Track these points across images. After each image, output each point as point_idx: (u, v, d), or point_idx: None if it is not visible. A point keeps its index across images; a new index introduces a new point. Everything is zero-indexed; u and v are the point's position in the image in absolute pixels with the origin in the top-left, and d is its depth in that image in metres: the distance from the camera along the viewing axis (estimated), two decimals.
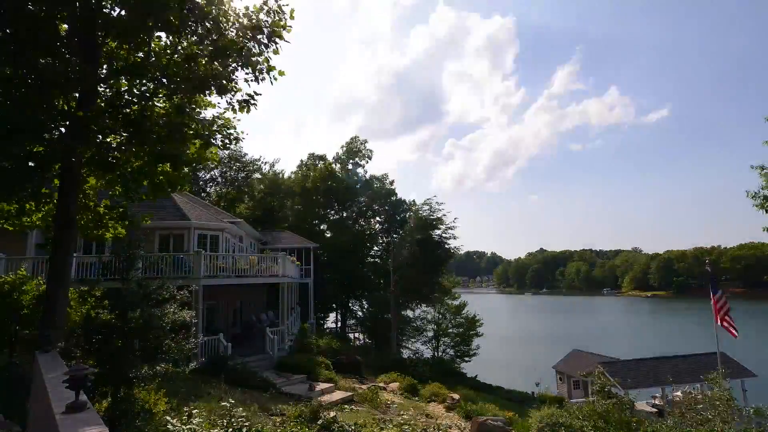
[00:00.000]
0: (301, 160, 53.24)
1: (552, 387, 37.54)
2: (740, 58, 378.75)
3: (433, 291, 40.03)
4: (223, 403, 11.09)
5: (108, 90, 9.75)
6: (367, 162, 51.22)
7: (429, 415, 17.52)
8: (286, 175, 53.06)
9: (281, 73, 9.48)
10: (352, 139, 51.58)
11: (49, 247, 9.59)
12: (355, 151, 50.64)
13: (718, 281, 20.53)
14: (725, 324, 18.35)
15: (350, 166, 50.46)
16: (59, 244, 8.85)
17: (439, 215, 42.19)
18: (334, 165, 50.51)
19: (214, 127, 9.90)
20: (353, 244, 45.05)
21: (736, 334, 18.46)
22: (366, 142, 51.48)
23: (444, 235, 42.38)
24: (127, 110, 9.28)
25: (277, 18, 9.03)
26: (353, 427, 12.10)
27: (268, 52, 9.29)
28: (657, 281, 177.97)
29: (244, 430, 9.27)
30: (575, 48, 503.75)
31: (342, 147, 51.56)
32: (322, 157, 52.73)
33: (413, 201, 50.68)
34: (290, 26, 9.20)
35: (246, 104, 9.71)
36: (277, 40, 9.20)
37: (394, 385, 22.06)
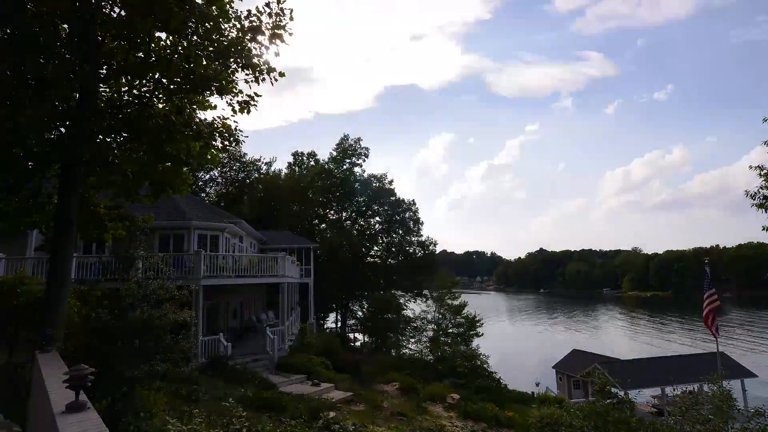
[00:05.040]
0: (289, 163, 53.45)
1: (552, 387, 37.56)
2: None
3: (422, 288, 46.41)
4: (224, 403, 11.12)
5: (108, 90, 9.76)
6: (364, 161, 51.24)
7: (429, 415, 17.52)
8: (283, 174, 53.12)
9: (281, 75, 9.49)
10: (343, 138, 51.23)
11: (49, 247, 9.59)
12: (349, 151, 50.45)
13: (716, 280, 20.40)
14: (708, 323, 18.27)
15: (346, 166, 50.37)
16: (59, 244, 8.85)
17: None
18: (329, 165, 50.49)
19: (214, 128, 9.91)
20: (353, 244, 45.11)
21: (714, 333, 18.41)
22: (360, 140, 51.20)
23: (427, 241, 49.39)
24: (127, 110, 9.28)
25: (278, 20, 9.03)
26: (353, 427, 12.11)
27: (268, 53, 9.30)
28: (656, 281, 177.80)
29: (244, 430, 9.28)
30: None
31: (336, 146, 51.38)
32: (312, 155, 53.01)
33: (413, 200, 50.79)
34: (290, 29, 9.21)
35: (246, 105, 9.71)
36: (278, 42, 9.21)
37: (394, 385, 22.06)
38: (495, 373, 30.21)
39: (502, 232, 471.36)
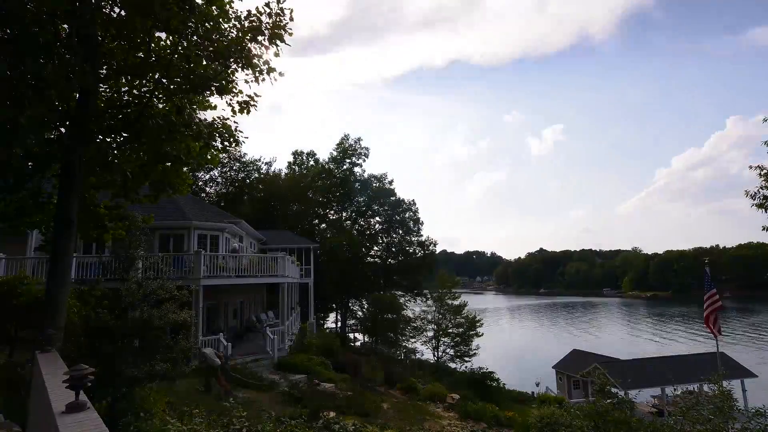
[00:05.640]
0: (289, 162, 53.55)
1: (552, 387, 37.57)
2: None
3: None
4: (224, 403, 11.13)
5: (108, 90, 9.76)
6: (364, 161, 51.26)
7: (429, 415, 17.52)
8: (283, 174, 53.19)
9: (281, 75, 9.50)
10: (343, 138, 51.30)
11: (49, 247, 9.59)
12: (350, 151, 50.44)
13: (716, 280, 20.20)
14: (709, 324, 18.12)
15: (346, 166, 50.38)
16: (59, 244, 8.84)
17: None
18: (329, 165, 50.51)
19: (214, 128, 9.90)
20: (353, 244, 45.13)
21: (716, 334, 18.26)
22: (360, 140, 51.21)
23: (427, 241, 50.42)
24: (127, 110, 9.28)
25: (278, 20, 9.03)
26: (353, 427, 12.11)
27: (268, 53, 9.30)
28: (656, 281, 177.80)
29: (244, 430, 9.28)
30: None
31: (336, 146, 51.40)
32: (312, 154, 53.16)
33: (413, 200, 50.82)
34: (290, 29, 9.21)
35: (246, 105, 9.71)
36: (278, 42, 9.21)
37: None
38: (494, 373, 30.28)
39: (502, 232, 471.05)
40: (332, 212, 51.66)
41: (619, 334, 77.32)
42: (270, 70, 9.44)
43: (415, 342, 43.19)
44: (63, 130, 9.18)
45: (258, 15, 9.03)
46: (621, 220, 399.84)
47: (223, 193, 48.58)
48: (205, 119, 10.11)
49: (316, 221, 50.56)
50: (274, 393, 15.70)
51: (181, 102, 9.34)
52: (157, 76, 9.08)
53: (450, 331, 42.51)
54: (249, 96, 9.70)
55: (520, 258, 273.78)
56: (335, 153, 50.90)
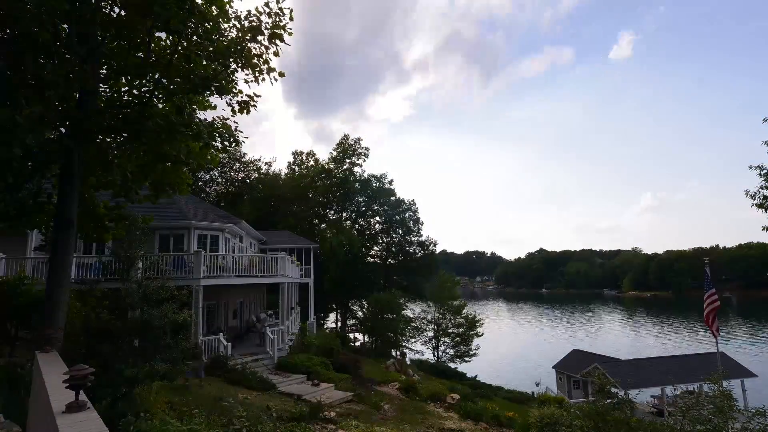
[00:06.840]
0: (289, 162, 53.68)
1: (552, 387, 37.56)
2: None
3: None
4: (224, 403, 11.14)
5: (108, 90, 9.76)
6: (364, 161, 51.26)
7: (429, 415, 17.52)
8: (283, 174, 53.22)
9: (281, 74, 9.51)
10: (343, 138, 51.33)
11: (49, 247, 9.60)
12: (349, 151, 50.45)
13: (716, 280, 20.16)
14: (709, 324, 18.13)
15: (346, 166, 50.39)
16: (59, 244, 8.84)
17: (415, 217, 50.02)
18: (329, 165, 50.53)
19: (214, 128, 9.90)
20: (353, 244, 45.15)
21: (716, 333, 18.26)
22: (360, 140, 51.23)
23: (427, 241, 50.31)
24: (127, 110, 9.28)
25: (277, 20, 9.04)
26: (353, 428, 12.12)
27: (268, 53, 9.30)
28: (656, 281, 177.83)
29: (244, 430, 9.29)
30: None
31: (336, 146, 51.50)
32: (312, 154, 53.28)
33: (413, 200, 50.82)
34: (290, 29, 9.22)
35: (245, 105, 9.72)
36: (277, 42, 9.22)
37: (395, 385, 22.08)
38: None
39: (501, 232, 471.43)
40: (332, 212, 51.67)
41: (619, 334, 77.28)
42: (270, 69, 9.45)
43: (415, 342, 43.24)
44: (63, 130, 9.18)
45: (258, 15, 9.04)
46: (624, 220, 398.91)
47: (223, 193, 48.59)
48: (205, 119, 10.12)
49: (316, 221, 50.57)
50: (274, 393, 15.71)
51: (181, 102, 9.34)
52: (157, 76, 9.08)
53: (450, 331, 42.57)
54: (249, 96, 9.71)
55: (520, 258, 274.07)
56: (335, 153, 50.92)
